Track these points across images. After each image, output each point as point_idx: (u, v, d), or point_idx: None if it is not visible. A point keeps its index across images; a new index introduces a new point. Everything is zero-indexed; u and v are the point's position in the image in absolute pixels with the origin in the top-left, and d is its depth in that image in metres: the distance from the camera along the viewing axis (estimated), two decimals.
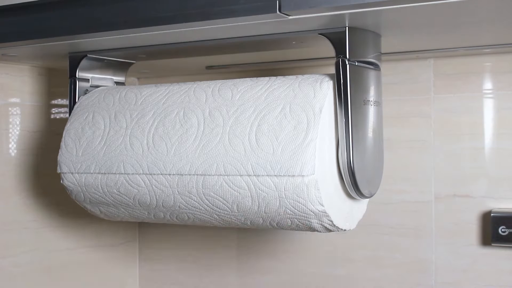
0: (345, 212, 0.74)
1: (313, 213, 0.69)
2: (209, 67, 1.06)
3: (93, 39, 0.79)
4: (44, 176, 1.02)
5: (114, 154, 0.78)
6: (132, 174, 0.77)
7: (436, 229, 0.96)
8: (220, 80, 0.79)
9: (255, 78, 0.77)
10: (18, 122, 1.00)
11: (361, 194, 0.73)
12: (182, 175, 0.74)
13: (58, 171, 0.82)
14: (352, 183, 0.71)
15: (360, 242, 1.01)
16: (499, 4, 0.63)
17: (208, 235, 1.14)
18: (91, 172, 0.79)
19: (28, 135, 1.02)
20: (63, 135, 0.84)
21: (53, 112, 1.05)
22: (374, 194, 0.76)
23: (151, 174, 0.76)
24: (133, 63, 0.95)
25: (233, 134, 0.72)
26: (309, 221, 0.70)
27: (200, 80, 1.11)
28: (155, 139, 0.77)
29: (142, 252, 1.21)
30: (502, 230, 0.89)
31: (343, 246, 1.02)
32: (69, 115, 0.87)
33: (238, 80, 0.78)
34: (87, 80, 0.90)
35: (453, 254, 0.95)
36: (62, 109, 1.06)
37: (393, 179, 0.97)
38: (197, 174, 0.73)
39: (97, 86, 0.91)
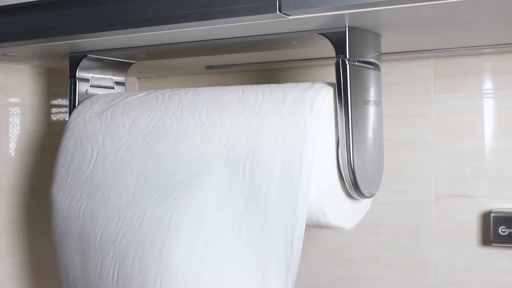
0: (346, 211, 0.74)
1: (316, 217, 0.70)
2: (209, 67, 1.06)
3: (93, 39, 0.79)
4: (44, 176, 1.02)
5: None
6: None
7: (436, 229, 0.96)
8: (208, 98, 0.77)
9: (242, 98, 0.75)
10: (18, 122, 1.00)
11: (361, 194, 0.73)
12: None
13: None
14: (353, 183, 0.71)
15: (360, 242, 1.01)
16: (499, 4, 0.63)
17: None
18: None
19: (28, 135, 1.02)
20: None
21: (53, 112, 1.05)
22: (374, 194, 0.76)
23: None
24: (133, 63, 0.95)
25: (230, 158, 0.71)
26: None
27: (200, 80, 1.11)
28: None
29: None
30: (502, 230, 0.89)
31: (343, 246, 1.02)
32: (69, 115, 0.87)
33: (225, 101, 0.75)
34: (87, 80, 0.90)
35: (453, 254, 0.95)
36: (62, 109, 1.06)
37: (393, 179, 0.97)
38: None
39: (97, 86, 0.91)
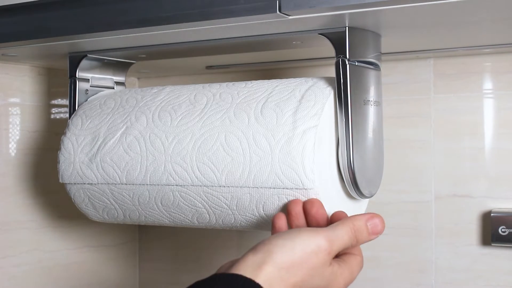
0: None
1: None
2: (209, 67, 1.06)
3: (93, 39, 0.79)
4: (44, 176, 1.02)
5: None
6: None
7: (436, 229, 0.96)
8: (222, 85, 0.79)
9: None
10: (18, 122, 1.00)
11: (361, 194, 0.73)
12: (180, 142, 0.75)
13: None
14: (352, 183, 0.71)
15: None
16: (499, 4, 0.63)
17: (208, 235, 1.14)
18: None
19: (28, 135, 1.02)
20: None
21: (53, 112, 1.05)
22: (374, 194, 0.76)
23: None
24: (133, 63, 0.95)
25: (241, 107, 0.73)
26: None
27: (200, 80, 1.11)
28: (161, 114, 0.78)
29: (142, 252, 1.21)
30: (502, 230, 0.89)
31: None
32: (69, 115, 0.87)
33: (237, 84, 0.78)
34: (87, 80, 0.90)
35: (453, 254, 0.95)
36: (62, 109, 1.06)
37: (393, 179, 0.97)
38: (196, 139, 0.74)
39: (97, 86, 0.91)
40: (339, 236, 0.61)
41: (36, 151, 1.02)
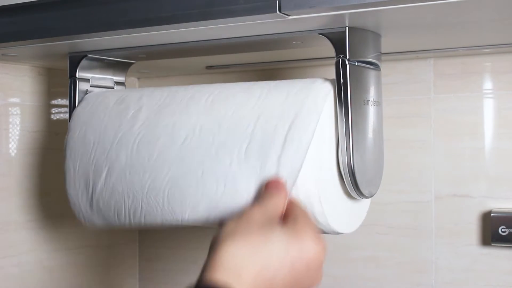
0: (346, 214, 0.74)
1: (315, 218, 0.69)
2: (209, 67, 1.06)
3: (93, 39, 0.79)
4: (44, 176, 1.02)
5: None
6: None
7: (436, 229, 0.96)
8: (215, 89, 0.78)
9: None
10: (18, 122, 1.00)
11: (361, 194, 0.73)
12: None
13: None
14: (352, 183, 0.71)
15: (360, 242, 1.01)
16: (499, 4, 0.63)
17: (208, 235, 1.14)
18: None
19: (28, 135, 1.02)
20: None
21: (53, 112, 1.05)
22: (374, 194, 0.76)
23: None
24: (133, 63, 0.95)
25: (223, 145, 0.71)
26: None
27: (200, 80, 1.11)
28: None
29: (142, 252, 1.21)
30: (502, 230, 0.89)
31: (343, 246, 1.02)
32: (69, 115, 0.87)
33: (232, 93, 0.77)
34: (87, 80, 0.90)
35: (453, 254, 0.95)
36: (62, 109, 1.06)
37: (393, 179, 0.97)
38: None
39: (97, 86, 0.91)
40: (264, 199, 0.64)
41: (36, 151, 1.02)
